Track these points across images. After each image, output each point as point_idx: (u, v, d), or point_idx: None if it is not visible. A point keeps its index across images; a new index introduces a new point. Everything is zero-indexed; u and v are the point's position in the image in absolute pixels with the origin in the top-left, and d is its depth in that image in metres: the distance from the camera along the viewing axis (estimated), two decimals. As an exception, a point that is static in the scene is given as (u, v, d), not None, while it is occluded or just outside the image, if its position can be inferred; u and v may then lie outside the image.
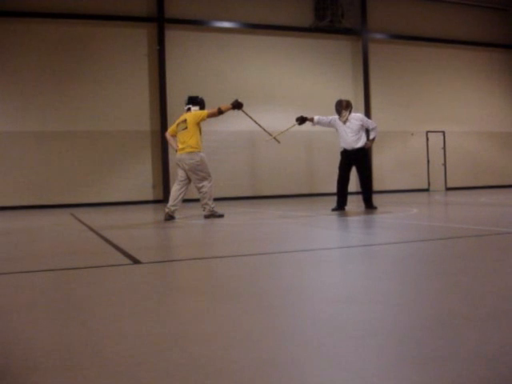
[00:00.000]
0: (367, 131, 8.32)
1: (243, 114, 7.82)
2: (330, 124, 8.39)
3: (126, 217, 8.97)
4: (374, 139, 8.37)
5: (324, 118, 8.42)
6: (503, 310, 1.95)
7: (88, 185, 14.50)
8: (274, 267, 3.20)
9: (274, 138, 8.27)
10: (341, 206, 8.10)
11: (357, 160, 8.15)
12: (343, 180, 8.23)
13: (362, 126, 8.15)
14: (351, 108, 8.29)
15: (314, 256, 3.58)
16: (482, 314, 1.90)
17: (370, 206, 8.19)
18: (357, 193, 9.48)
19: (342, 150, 8.24)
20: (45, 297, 2.51)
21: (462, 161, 18.79)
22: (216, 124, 12.49)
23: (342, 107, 8.18)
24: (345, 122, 8.13)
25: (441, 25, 18.57)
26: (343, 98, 8.68)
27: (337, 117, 8.25)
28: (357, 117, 8.23)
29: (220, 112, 7.31)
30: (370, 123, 8.28)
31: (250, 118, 7.91)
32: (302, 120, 8.35)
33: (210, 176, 7.37)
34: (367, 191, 8.29)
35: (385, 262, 3.26)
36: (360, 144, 8.07)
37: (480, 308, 2.00)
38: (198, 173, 7.30)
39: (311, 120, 8.39)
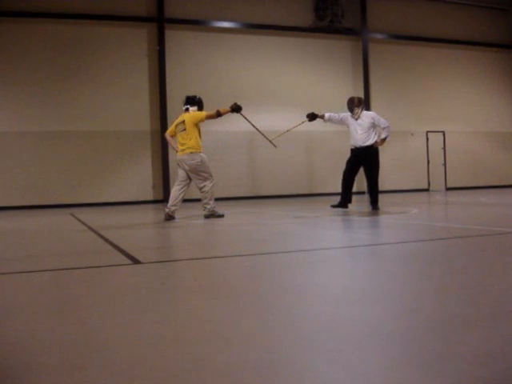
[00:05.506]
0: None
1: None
2: (341, 121, 8.25)
3: (125, 217, 8.97)
4: (385, 139, 8.06)
5: (335, 115, 8.29)
6: (503, 310, 1.95)
7: (88, 185, 14.50)
8: (274, 267, 3.20)
9: (270, 141, 8.21)
10: (343, 203, 8.03)
11: (365, 159, 7.99)
12: (347, 176, 8.10)
13: (373, 123, 7.96)
14: (363, 105, 8.19)
15: (314, 256, 3.58)
16: (482, 314, 1.90)
17: (374, 206, 8.08)
18: (357, 193, 9.42)
19: (352, 147, 8.10)
20: (44, 297, 2.51)
21: (461, 161, 18.78)
22: (216, 124, 12.49)
23: (354, 104, 8.05)
24: (357, 119, 8.01)
25: (441, 25, 18.57)
26: (348, 96, 8.54)
27: (349, 114, 8.11)
28: (368, 114, 8.09)
29: (218, 115, 7.31)
30: (382, 122, 7.97)
31: (248, 121, 7.89)
32: (312, 117, 8.24)
33: (211, 176, 7.37)
34: (373, 192, 8.06)
35: (385, 262, 3.26)
36: (369, 142, 7.90)
37: (480, 308, 2.00)
38: (199, 173, 7.31)
39: (322, 117, 8.27)
